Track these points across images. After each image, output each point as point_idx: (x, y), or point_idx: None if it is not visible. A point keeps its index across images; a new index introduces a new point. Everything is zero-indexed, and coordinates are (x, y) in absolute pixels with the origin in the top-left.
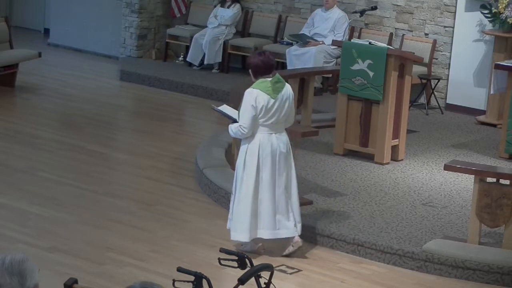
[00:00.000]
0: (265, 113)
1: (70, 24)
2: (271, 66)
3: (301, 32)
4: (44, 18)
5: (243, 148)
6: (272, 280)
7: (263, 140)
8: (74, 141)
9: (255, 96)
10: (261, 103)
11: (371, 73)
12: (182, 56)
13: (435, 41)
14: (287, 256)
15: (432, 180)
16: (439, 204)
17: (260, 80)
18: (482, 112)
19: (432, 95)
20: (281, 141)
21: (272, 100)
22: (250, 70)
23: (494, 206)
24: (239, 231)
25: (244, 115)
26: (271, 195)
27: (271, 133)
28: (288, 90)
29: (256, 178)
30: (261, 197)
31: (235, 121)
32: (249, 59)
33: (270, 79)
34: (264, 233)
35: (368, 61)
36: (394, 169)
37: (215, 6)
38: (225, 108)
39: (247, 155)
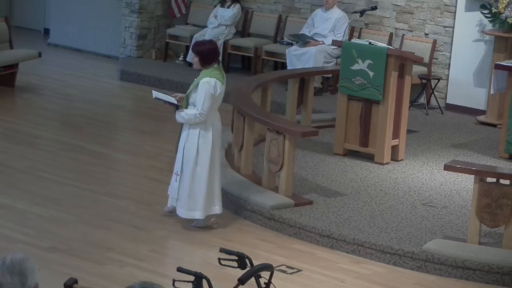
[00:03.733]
0: (219, 98)
1: (70, 24)
2: (218, 53)
3: (301, 32)
4: (44, 18)
5: (194, 132)
6: (272, 280)
7: (214, 123)
8: (74, 141)
9: (214, 85)
10: (218, 90)
11: (371, 73)
12: (182, 56)
13: (435, 41)
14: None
15: (432, 180)
16: (439, 204)
17: (211, 68)
18: (482, 112)
19: (432, 95)
20: (220, 121)
21: (223, 86)
22: (199, 58)
23: (494, 206)
24: (196, 210)
25: (205, 104)
26: (219, 172)
27: (215, 115)
28: (224, 75)
29: (211, 159)
30: (214, 176)
31: (176, 105)
32: (199, 46)
33: (216, 65)
34: (217, 209)
35: (368, 61)
36: (394, 169)
37: (215, 6)
38: (158, 94)
39: (200, 138)
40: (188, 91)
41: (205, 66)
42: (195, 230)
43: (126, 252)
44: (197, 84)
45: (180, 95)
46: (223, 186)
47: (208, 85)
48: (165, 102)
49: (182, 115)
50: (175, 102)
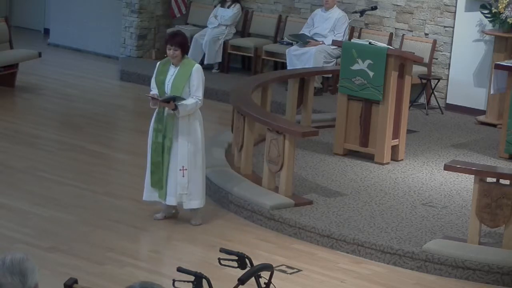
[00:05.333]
0: None
1: (70, 24)
2: None
3: (301, 32)
4: (44, 18)
5: (195, 122)
6: (272, 280)
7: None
8: (74, 141)
9: (202, 70)
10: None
11: (371, 73)
12: None
13: (435, 41)
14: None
15: (432, 180)
16: (439, 204)
17: (186, 57)
18: (482, 112)
19: (432, 95)
20: None
21: None
22: (181, 50)
23: (494, 206)
24: (204, 196)
25: (202, 89)
26: None
27: None
28: None
29: None
30: None
31: (174, 99)
32: (177, 38)
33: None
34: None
35: (368, 61)
36: (394, 169)
37: (215, 6)
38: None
39: (200, 127)
40: (180, 88)
41: (184, 56)
42: (195, 230)
43: (126, 252)
44: (190, 73)
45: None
46: (223, 186)
47: (201, 71)
48: (167, 99)
49: (185, 108)
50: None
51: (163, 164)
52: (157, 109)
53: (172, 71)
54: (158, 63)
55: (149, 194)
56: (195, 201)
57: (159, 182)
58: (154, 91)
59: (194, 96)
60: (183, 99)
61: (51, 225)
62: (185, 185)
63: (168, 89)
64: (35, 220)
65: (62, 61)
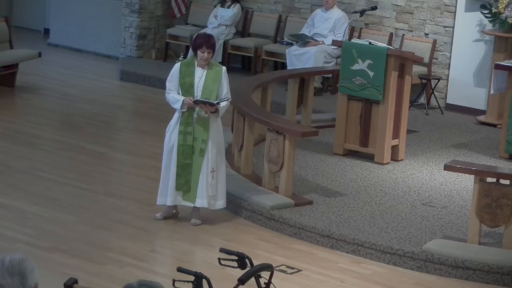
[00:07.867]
0: None
1: (70, 24)
2: None
3: (301, 32)
4: (44, 18)
5: (220, 123)
6: (272, 280)
7: None
8: (74, 141)
9: None
10: None
11: (371, 73)
12: (182, 56)
13: (435, 41)
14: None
15: (432, 180)
16: (439, 204)
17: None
18: (482, 112)
19: (432, 95)
20: None
21: None
22: (214, 52)
23: (494, 206)
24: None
25: (229, 89)
26: None
27: None
28: None
29: None
30: None
31: (212, 104)
32: (214, 41)
33: None
34: None
35: (368, 61)
36: (394, 169)
37: (215, 6)
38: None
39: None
40: (214, 91)
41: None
42: (195, 230)
43: (126, 252)
44: (220, 76)
45: (188, 99)
46: None
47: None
48: (206, 103)
49: (222, 110)
50: (213, 102)
51: (193, 166)
52: (183, 112)
53: (200, 73)
54: (178, 64)
55: (172, 198)
56: (219, 201)
57: (186, 185)
58: (173, 93)
59: (225, 98)
60: (215, 102)
61: (51, 225)
62: (214, 186)
63: (198, 92)
64: (35, 220)
65: (62, 61)
